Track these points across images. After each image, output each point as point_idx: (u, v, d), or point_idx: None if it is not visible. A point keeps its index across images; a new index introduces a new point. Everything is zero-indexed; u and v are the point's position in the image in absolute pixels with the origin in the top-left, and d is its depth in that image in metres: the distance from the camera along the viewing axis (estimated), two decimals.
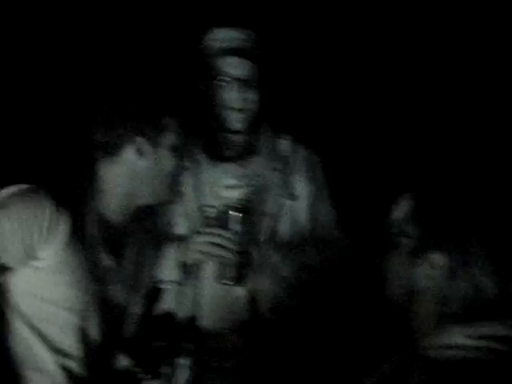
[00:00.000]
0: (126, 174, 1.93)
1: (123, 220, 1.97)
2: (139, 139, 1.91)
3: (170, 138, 1.95)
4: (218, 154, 2.30)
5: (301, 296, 2.23)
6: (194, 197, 2.25)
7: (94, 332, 1.91)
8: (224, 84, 2.21)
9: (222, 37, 2.24)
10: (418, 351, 1.38)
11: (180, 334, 2.02)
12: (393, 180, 2.63)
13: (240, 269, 2.11)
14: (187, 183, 2.25)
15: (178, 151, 1.97)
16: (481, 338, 1.33)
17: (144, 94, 1.95)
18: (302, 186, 2.32)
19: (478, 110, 3.19)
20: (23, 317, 1.85)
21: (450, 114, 3.20)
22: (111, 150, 1.90)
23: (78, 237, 1.86)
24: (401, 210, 1.47)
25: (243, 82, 2.21)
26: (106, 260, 1.93)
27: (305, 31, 3.19)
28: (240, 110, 2.22)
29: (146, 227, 2.08)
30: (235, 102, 2.22)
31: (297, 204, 2.30)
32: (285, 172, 2.31)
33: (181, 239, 2.17)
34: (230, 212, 2.08)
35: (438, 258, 1.38)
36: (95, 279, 1.90)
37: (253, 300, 2.20)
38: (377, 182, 3.05)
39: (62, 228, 1.82)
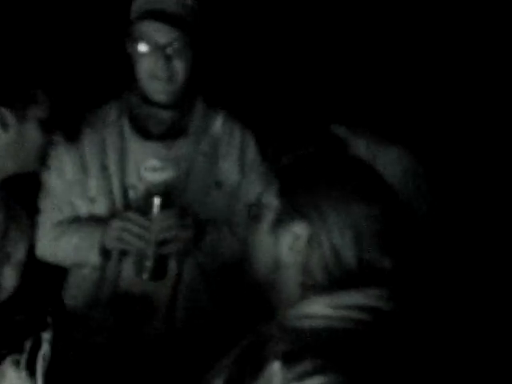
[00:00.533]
0: None
1: None
2: (3, 111, 1.87)
3: (37, 111, 1.92)
4: (144, 130, 2.16)
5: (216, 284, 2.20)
6: (118, 174, 2.13)
7: None
8: (147, 50, 2.05)
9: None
10: (281, 323, 1.36)
11: (44, 308, 2.01)
12: None
13: (159, 262, 2.00)
14: (111, 158, 2.13)
15: (47, 124, 1.93)
16: (342, 307, 1.32)
17: (11, 65, 1.92)
18: (229, 172, 2.21)
19: None
20: None
21: None
22: None
23: None
24: (268, 186, 1.46)
25: (169, 50, 2.04)
26: None
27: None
28: (164, 80, 2.07)
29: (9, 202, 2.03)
30: (159, 70, 2.06)
31: (220, 192, 2.19)
32: (213, 156, 2.19)
33: (100, 220, 2.09)
34: (153, 198, 1.97)
35: (300, 228, 1.37)
36: None
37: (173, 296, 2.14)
38: None
39: None
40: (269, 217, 1.42)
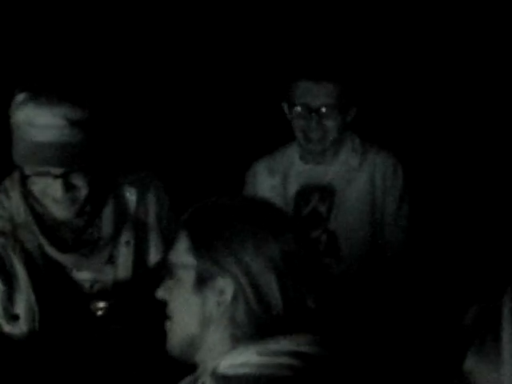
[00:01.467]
0: None
1: None
2: None
3: None
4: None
5: None
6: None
7: None
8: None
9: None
10: (214, 372, 1.35)
11: None
12: None
13: None
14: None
15: None
16: (271, 354, 1.33)
17: None
18: None
19: None
20: None
21: None
22: None
23: None
24: (176, 244, 1.43)
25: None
26: None
27: None
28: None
29: None
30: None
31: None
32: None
33: None
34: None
35: (225, 283, 1.37)
36: None
37: None
38: None
39: None
40: (187, 276, 1.39)
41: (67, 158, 1.75)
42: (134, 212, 2.00)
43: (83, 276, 1.92)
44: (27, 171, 1.77)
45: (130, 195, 2.00)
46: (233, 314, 1.38)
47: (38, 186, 1.78)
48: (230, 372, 1.34)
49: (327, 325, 1.41)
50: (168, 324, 1.44)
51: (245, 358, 1.34)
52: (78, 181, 1.80)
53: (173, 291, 1.42)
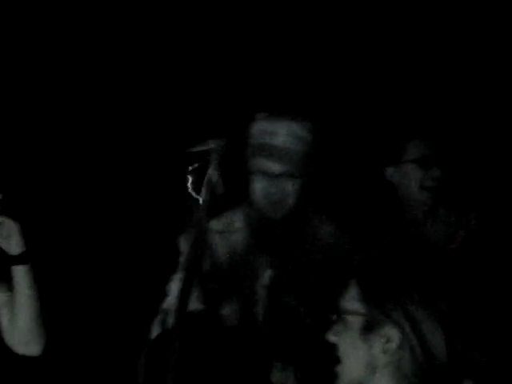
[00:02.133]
0: None
1: None
2: None
3: None
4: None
5: None
6: None
7: None
8: (260, 179, 2.28)
9: (260, 131, 2.26)
10: None
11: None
12: None
13: None
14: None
15: None
16: None
17: None
18: None
19: None
20: None
21: None
22: None
23: None
24: (344, 290, 1.47)
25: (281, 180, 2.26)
26: None
27: None
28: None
29: None
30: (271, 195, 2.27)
31: None
32: None
33: None
34: None
35: (392, 332, 1.39)
36: None
37: None
38: None
39: None
40: (356, 323, 1.43)
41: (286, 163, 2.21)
42: None
43: None
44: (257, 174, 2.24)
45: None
46: (398, 363, 1.40)
47: (260, 185, 2.25)
48: None
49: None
50: (337, 368, 1.48)
51: None
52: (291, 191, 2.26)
53: (341, 335, 1.46)
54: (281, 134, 2.20)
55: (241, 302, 2.25)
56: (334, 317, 1.47)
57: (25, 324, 2.05)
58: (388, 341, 1.39)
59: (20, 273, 2.04)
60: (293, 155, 2.21)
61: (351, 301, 1.44)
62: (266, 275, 2.27)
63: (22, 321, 2.05)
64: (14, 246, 2.02)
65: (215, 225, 2.32)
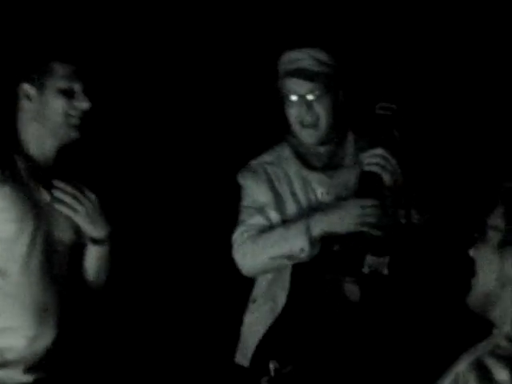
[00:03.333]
0: (27, 118, 2.20)
1: (46, 160, 2.22)
2: (25, 85, 2.17)
3: (56, 82, 2.17)
4: (308, 164, 2.53)
5: None
6: (304, 199, 2.50)
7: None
8: (292, 101, 2.44)
9: (288, 59, 2.46)
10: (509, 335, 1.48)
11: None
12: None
13: None
14: (297, 186, 2.50)
15: (67, 94, 2.18)
16: None
17: (29, 39, 2.23)
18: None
19: None
20: None
21: None
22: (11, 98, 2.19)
23: (16, 177, 2.15)
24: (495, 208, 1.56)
25: (309, 99, 2.43)
26: (45, 195, 2.20)
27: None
28: (310, 126, 2.44)
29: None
30: (304, 118, 2.44)
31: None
32: None
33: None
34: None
35: None
36: (37, 214, 2.16)
37: None
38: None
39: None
40: (495, 238, 1.54)
41: (308, 79, 2.41)
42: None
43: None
44: (287, 94, 2.44)
45: (366, 142, 2.46)
46: None
47: (294, 110, 2.44)
48: None
49: None
50: (472, 280, 1.59)
51: None
52: (319, 109, 2.42)
53: (480, 249, 1.57)
54: (306, 58, 2.43)
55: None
56: (476, 234, 1.57)
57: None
58: None
59: (97, 252, 2.31)
60: (315, 75, 2.42)
61: (497, 218, 1.53)
62: (319, 196, 2.48)
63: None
64: (99, 230, 2.28)
65: (267, 157, 2.57)
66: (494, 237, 1.53)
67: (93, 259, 2.32)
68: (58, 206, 2.20)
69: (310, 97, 2.43)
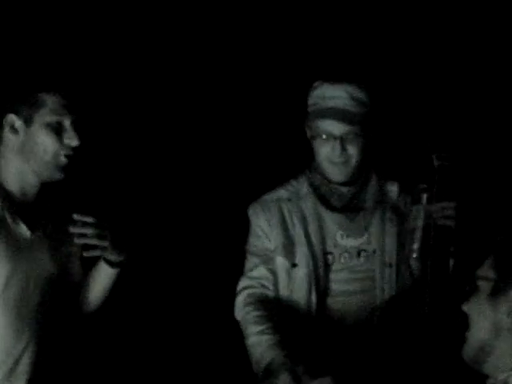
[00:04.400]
0: (10, 151, 2.10)
1: (26, 195, 2.14)
2: (11, 116, 2.08)
3: (45, 116, 2.08)
4: (328, 203, 2.44)
5: None
6: (318, 241, 2.39)
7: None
8: (324, 140, 2.34)
9: (321, 94, 2.35)
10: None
11: None
12: None
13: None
14: (312, 226, 2.41)
15: (56, 129, 2.09)
16: None
17: (19, 70, 2.15)
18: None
19: None
20: None
21: None
22: None
23: None
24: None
25: (343, 140, 2.32)
26: (25, 231, 2.11)
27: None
28: (340, 164, 2.35)
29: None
30: (335, 157, 2.34)
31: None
32: (397, 222, 2.42)
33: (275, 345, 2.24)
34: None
35: None
36: (15, 253, 2.08)
37: None
38: None
39: None
40: (486, 288, 1.55)
41: (347, 121, 2.29)
42: (393, 200, 2.45)
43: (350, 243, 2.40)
44: (320, 133, 2.33)
45: (391, 186, 2.46)
46: None
47: (325, 149, 2.33)
48: None
49: None
50: (466, 333, 1.60)
51: None
52: (352, 147, 2.32)
53: (472, 303, 1.59)
54: (339, 97, 2.31)
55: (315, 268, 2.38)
56: (468, 288, 1.60)
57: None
58: None
59: (110, 274, 2.28)
60: (353, 116, 2.30)
61: (487, 269, 1.57)
62: (338, 238, 2.41)
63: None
64: (116, 256, 2.23)
65: (283, 193, 2.47)
66: (485, 288, 1.56)
67: (105, 279, 2.29)
68: (86, 254, 2.15)
69: (344, 137, 2.32)
